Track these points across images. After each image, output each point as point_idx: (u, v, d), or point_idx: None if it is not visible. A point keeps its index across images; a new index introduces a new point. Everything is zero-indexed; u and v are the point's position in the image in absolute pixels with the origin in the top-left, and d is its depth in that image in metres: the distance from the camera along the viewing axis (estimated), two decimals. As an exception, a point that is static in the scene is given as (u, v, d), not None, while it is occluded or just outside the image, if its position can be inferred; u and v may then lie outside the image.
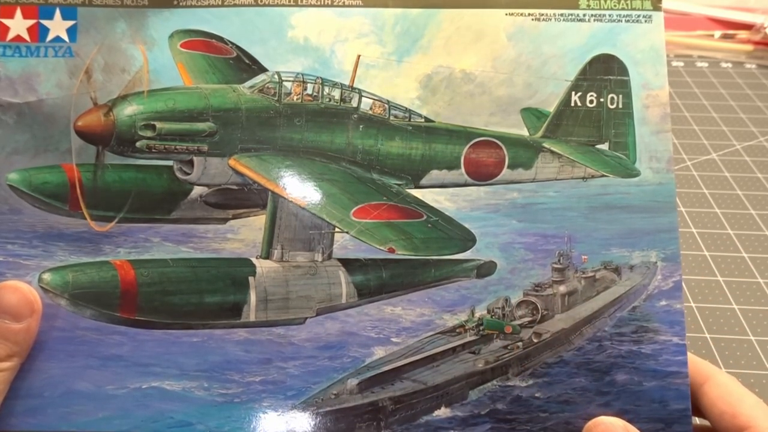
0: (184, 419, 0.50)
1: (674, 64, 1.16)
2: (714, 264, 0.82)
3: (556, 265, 0.51)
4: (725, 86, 1.07)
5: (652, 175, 0.53)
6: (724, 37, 1.20)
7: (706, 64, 1.16)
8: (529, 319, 0.51)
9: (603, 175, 0.54)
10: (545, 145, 0.56)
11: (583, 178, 0.54)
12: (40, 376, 0.51)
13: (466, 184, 0.56)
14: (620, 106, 0.55)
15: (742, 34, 1.20)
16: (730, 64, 1.16)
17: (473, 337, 0.51)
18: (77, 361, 0.51)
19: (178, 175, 0.55)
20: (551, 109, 0.55)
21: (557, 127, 0.56)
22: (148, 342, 0.52)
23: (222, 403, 0.51)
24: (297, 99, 0.55)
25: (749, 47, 1.18)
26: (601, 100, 0.55)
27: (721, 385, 0.47)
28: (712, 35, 1.21)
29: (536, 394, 0.50)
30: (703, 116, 0.99)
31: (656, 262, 0.51)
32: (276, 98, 0.55)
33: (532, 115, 0.55)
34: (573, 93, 0.54)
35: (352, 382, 0.51)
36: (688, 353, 0.49)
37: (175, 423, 0.50)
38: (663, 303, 0.50)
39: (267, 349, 0.52)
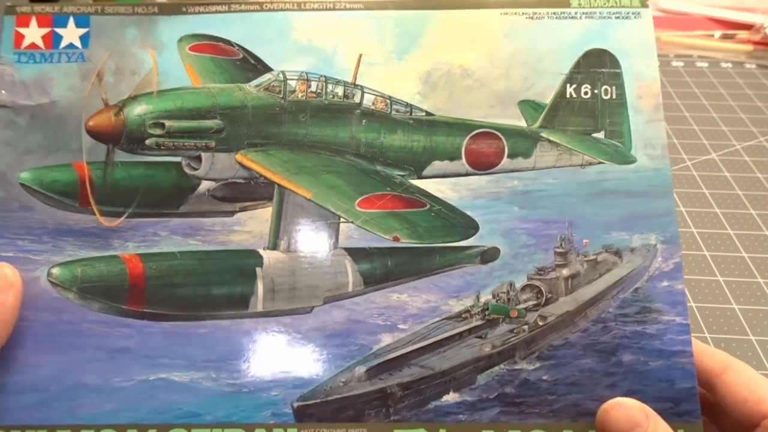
0: (192, 410, 0.50)
1: (674, 64, 1.16)
2: (714, 264, 0.82)
3: (558, 250, 0.52)
4: (725, 86, 1.07)
5: (648, 161, 0.54)
6: (724, 37, 1.20)
7: (706, 64, 1.16)
8: (534, 302, 0.52)
9: (600, 162, 0.55)
10: (543, 134, 0.58)
11: (581, 165, 0.56)
12: (46, 369, 0.51)
13: (467, 174, 0.57)
14: (614, 96, 0.57)
15: (742, 34, 1.19)
16: (730, 64, 1.15)
17: (479, 322, 0.52)
18: (84, 354, 0.51)
19: (187, 170, 0.57)
20: (548, 101, 0.57)
21: (554, 118, 0.57)
22: (156, 334, 0.52)
23: (230, 393, 0.51)
24: (301, 96, 0.57)
25: (749, 47, 1.17)
26: (596, 91, 0.57)
27: (742, 373, 0.47)
28: (712, 35, 1.20)
29: (544, 377, 0.50)
30: (703, 116, 0.99)
31: (656, 245, 0.52)
32: (281, 96, 0.57)
33: (529, 107, 0.57)
34: (568, 85, 0.57)
35: (360, 370, 0.51)
36: (706, 345, 0.50)
37: (183, 414, 0.50)
38: (665, 284, 0.51)
39: (274, 339, 0.52)
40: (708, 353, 0.49)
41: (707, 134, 0.95)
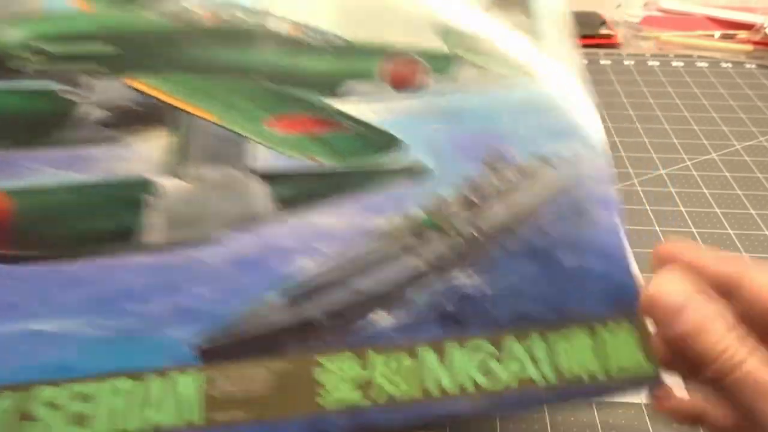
0: (64, 363, 0.40)
1: (674, 64, 1.14)
2: (714, 264, 0.82)
3: (487, 161, 0.49)
4: (725, 86, 1.07)
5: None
6: (724, 37, 1.18)
7: (706, 64, 1.14)
8: (467, 213, 0.48)
9: (517, 76, 0.54)
10: (460, 53, 0.56)
11: (501, 78, 0.54)
12: None
13: (387, 94, 0.54)
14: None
15: (742, 34, 1.18)
16: (730, 64, 1.14)
17: (410, 239, 0.47)
18: None
19: (68, 96, 0.49)
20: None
21: (471, 39, 0.56)
22: (20, 279, 0.42)
23: (115, 338, 0.41)
24: (206, 22, 0.52)
25: (749, 47, 1.17)
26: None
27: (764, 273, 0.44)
28: (712, 35, 1.19)
29: (484, 290, 0.45)
30: (703, 116, 0.98)
31: (583, 153, 0.51)
32: (183, 22, 0.52)
33: (446, 32, 0.56)
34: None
35: (279, 299, 0.44)
36: (721, 252, 0.46)
37: (51, 368, 0.40)
38: (595, 189, 0.49)
39: (174, 274, 0.44)
40: (723, 260, 0.45)
41: (707, 134, 0.94)
